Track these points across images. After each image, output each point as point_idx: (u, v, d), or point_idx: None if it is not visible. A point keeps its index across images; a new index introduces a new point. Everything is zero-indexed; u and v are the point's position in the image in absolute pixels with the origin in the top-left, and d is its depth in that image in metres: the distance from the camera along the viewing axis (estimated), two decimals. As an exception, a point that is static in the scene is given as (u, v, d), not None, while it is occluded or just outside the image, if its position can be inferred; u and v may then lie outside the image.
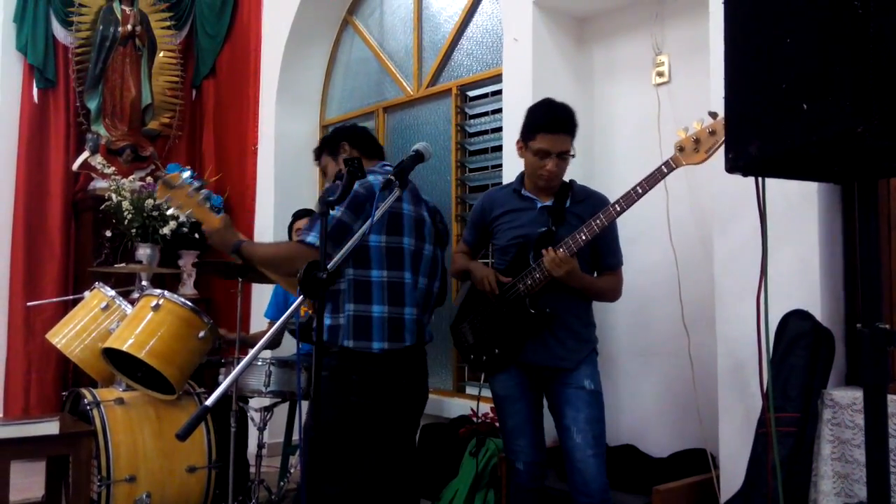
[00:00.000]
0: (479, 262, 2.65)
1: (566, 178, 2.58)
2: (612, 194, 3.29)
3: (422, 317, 2.44)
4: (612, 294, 2.57)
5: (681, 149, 2.26)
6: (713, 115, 2.20)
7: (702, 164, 2.25)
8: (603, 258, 2.52)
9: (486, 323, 2.54)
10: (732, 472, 2.48)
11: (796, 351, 2.30)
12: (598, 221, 2.31)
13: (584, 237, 2.32)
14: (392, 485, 2.40)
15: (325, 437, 2.20)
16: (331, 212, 2.18)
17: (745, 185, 1.54)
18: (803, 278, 2.38)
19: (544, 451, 2.55)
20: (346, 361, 2.24)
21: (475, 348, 2.58)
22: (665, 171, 2.26)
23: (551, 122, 2.42)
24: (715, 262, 2.65)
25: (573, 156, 2.49)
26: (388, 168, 2.47)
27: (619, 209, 2.29)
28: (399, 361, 2.31)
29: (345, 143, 2.58)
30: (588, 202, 2.51)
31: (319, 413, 2.27)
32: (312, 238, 2.22)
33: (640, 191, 2.26)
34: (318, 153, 2.71)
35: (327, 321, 2.27)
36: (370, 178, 2.28)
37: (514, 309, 2.46)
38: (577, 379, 2.43)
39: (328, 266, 1.70)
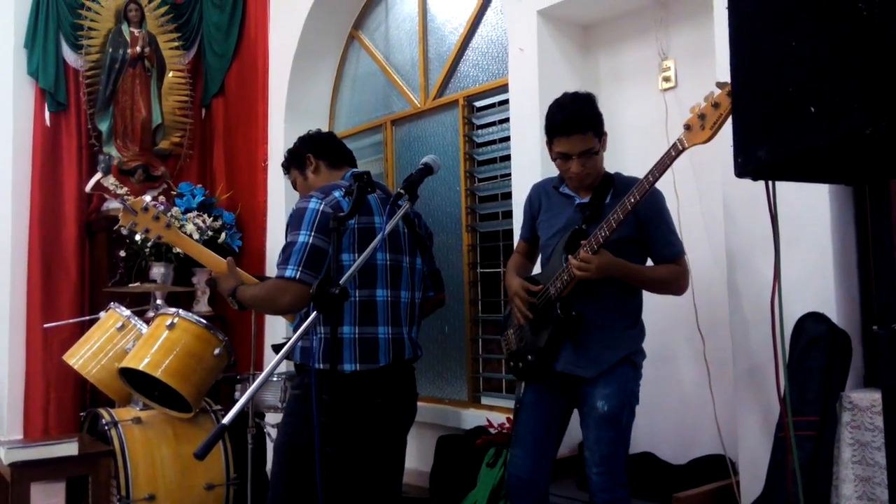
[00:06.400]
0: (514, 276, 2.53)
1: (611, 170, 2.48)
2: (623, 200, 3.32)
3: (405, 334, 2.31)
4: (674, 283, 2.38)
5: (688, 127, 2.09)
6: (721, 85, 2.01)
7: (708, 142, 2.06)
8: (655, 251, 2.38)
9: (524, 329, 2.46)
10: (752, 478, 2.46)
11: (813, 354, 2.28)
12: (614, 216, 2.19)
13: (604, 233, 2.21)
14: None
15: (296, 455, 2.16)
16: (299, 236, 2.13)
17: (755, 188, 1.52)
18: (817, 281, 2.37)
19: (540, 469, 2.43)
20: (318, 380, 2.10)
21: (515, 355, 2.51)
22: (673, 154, 2.10)
23: (562, 125, 2.31)
24: (727, 265, 2.64)
25: (596, 152, 2.35)
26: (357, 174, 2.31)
27: (633, 200, 2.16)
28: (373, 382, 2.21)
29: (310, 155, 2.52)
30: None
31: (292, 432, 2.22)
32: (291, 272, 2.11)
33: (651, 178, 2.13)
34: (287, 167, 2.63)
35: (300, 342, 2.17)
36: (335, 193, 2.22)
37: (543, 314, 2.37)
38: (592, 397, 2.32)
39: (340, 281, 1.71)
